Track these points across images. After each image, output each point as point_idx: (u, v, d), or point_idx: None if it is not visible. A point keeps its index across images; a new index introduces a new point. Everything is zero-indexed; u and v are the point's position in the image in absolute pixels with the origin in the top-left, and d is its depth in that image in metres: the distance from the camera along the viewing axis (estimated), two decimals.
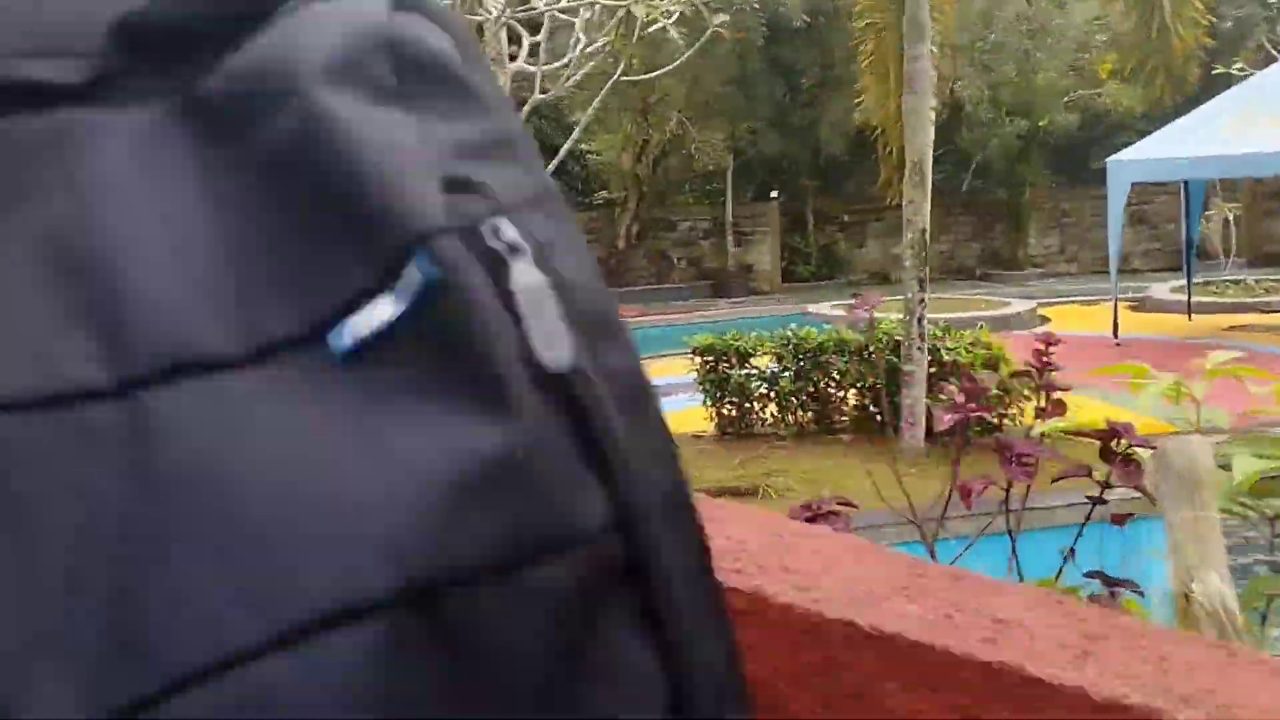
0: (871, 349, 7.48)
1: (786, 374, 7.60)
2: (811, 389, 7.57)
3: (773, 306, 20.19)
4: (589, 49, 6.63)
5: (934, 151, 16.96)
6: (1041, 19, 19.13)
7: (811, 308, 17.40)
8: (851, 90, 18.66)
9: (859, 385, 7.52)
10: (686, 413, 9.95)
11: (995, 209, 24.86)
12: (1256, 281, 16.91)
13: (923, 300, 6.83)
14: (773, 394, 7.66)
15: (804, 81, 22.09)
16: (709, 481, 6.65)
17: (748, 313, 19.97)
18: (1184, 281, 17.33)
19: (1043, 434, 2.00)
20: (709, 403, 7.75)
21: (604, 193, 23.91)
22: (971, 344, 7.21)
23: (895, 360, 7.40)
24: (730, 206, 23.13)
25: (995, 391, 6.92)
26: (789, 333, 7.66)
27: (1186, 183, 14.02)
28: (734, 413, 7.71)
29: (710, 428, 8.12)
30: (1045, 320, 15.59)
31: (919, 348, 6.77)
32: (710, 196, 25.59)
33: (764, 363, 7.69)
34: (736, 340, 7.66)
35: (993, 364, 7.19)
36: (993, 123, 20.68)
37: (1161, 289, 17.08)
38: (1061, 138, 21.90)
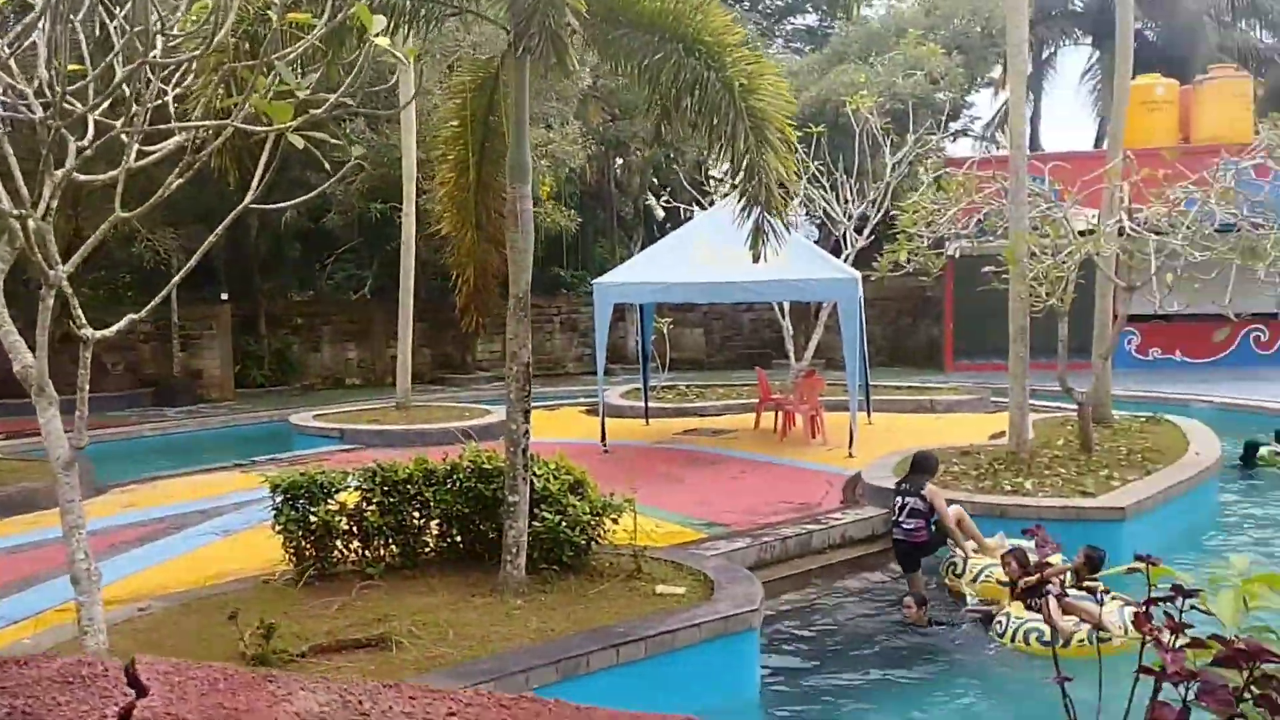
0: (459, 478, 7.46)
1: (372, 508, 7.28)
2: (394, 522, 7.32)
3: (243, 415, 18.94)
4: None
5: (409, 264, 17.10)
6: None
7: (294, 418, 16.65)
8: (307, 187, 18.44)
9: (446, 516, 7.43)
10: (218, 546, 9.06)
11: (445, 317, 25.80)
12: (687, 386, 19.34)
13: (526, 431, 6.98)
14: (355, 529, 7.28)
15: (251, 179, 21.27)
16: (317, 634, 6.14)
17: (212, 423, 18.55)
18: (632, 387, 19.35)
19: None
20: (287, 544, 7.15)
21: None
22: (559, 470, 7.47)
23: (481, 488, 7.43)
24: (175, 308, 21.45)
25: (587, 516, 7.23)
26: (375, 465, 7.36)
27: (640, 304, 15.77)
28: (311, 551, 7.19)
29: (278, 570, 7.49)
30: None
31: (524, 479, 6.89)
32: (150, 296, 23.50)
33: (352, 498, 7.29)
34: (318, 475, 7.18)
35: (578, 489, 7.52)
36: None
37: (613, 394, 18.84)
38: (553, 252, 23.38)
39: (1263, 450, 13.22)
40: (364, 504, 7.37)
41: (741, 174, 6.04)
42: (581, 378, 26.04)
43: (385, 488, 7.29)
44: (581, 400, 20.02)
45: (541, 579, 7.12)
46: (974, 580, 8.63)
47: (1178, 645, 1.90)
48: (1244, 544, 10.10)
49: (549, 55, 4.98)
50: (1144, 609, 2.09)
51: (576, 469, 7.66)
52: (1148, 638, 1.97)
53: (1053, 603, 7.23)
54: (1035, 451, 11.11)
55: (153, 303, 5.58)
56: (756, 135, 5.86)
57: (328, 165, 5.57)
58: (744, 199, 6.11)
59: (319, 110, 4.97)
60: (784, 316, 18.21)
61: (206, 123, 5.07)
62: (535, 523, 7.16)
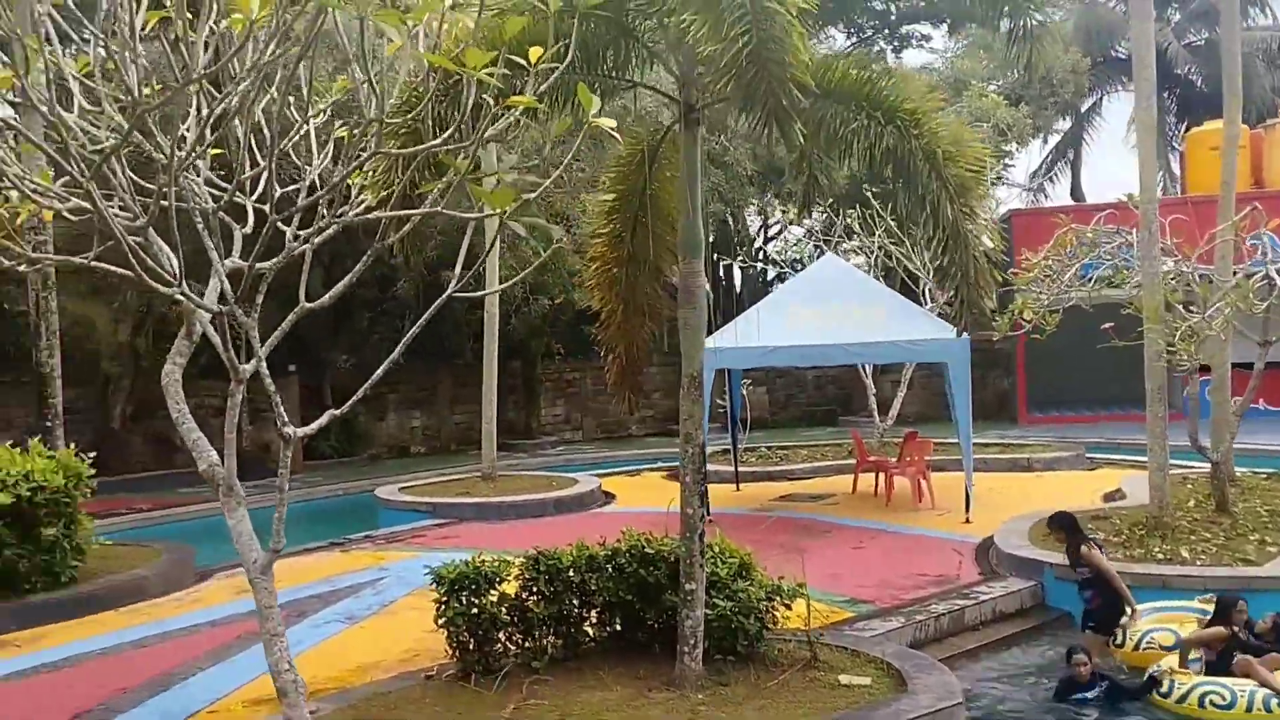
0: (621, 563, 7.17)
1: (534, 597, 6.99)
2: (557, 611, 7.03)
3: (319, 489, 18.72)
4: None
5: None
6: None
7: (380, 492, 16.41)
8: (382, 263, 18.45)
9: (608, 604, 7.13)
10: (349, 635, 8.76)
11: (508, 381, 25.68)
12: (769, 448, 18.98)
13: (703, 515, 6.70)
14: (518, 620, 6.99)
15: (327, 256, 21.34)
16: None
17: (288, 497, 18.30)
18: (715, 450, 19.02)
19: None
20: (451, 637, 6.85)
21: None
22: (725, 552, 7.17)
23: (643, 574, 7.14)
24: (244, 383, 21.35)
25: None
26: (536, 553, 7.08)
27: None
28: (472, 644, 6.89)
29: (433, 663, 7.21)
30: (609, 496, 16.11)
31: (700, 565, 6.59)
32: (218, 371, 23.46)
33: (510, 587, 7.01)
34: (480, 565, 6.90)
35: (746, 572, 7.21)
36: (521, 300, 21.50)
37: None
38: (571, 314, 23.27)
39: None
40: (524, 593, 7.08)
41: (944, 244, 5.81)
42: (646, 440, 25.75)
43: (547, 576, 7.00)
44: (660, 464, 19.70)
45: (716, 670, 6.79)
46: (1136, 648, 8.24)
47: None
48: None
49: (771, 130, 4.79)
50: None
51: (742, 551, 7.36)
52: None
53: (1256, 663, 6.94)
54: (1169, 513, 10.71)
55: (347, 403, 5.37)
56: (959, 205, 5.64)
57: (538, 247, 5.37)
58: (947, 270, 5.87)
59: (534, 193, 4.77)
60: (867, 375, 17.91)
61: (426, 210, 4.87)
62: (706, 610, 6.85)
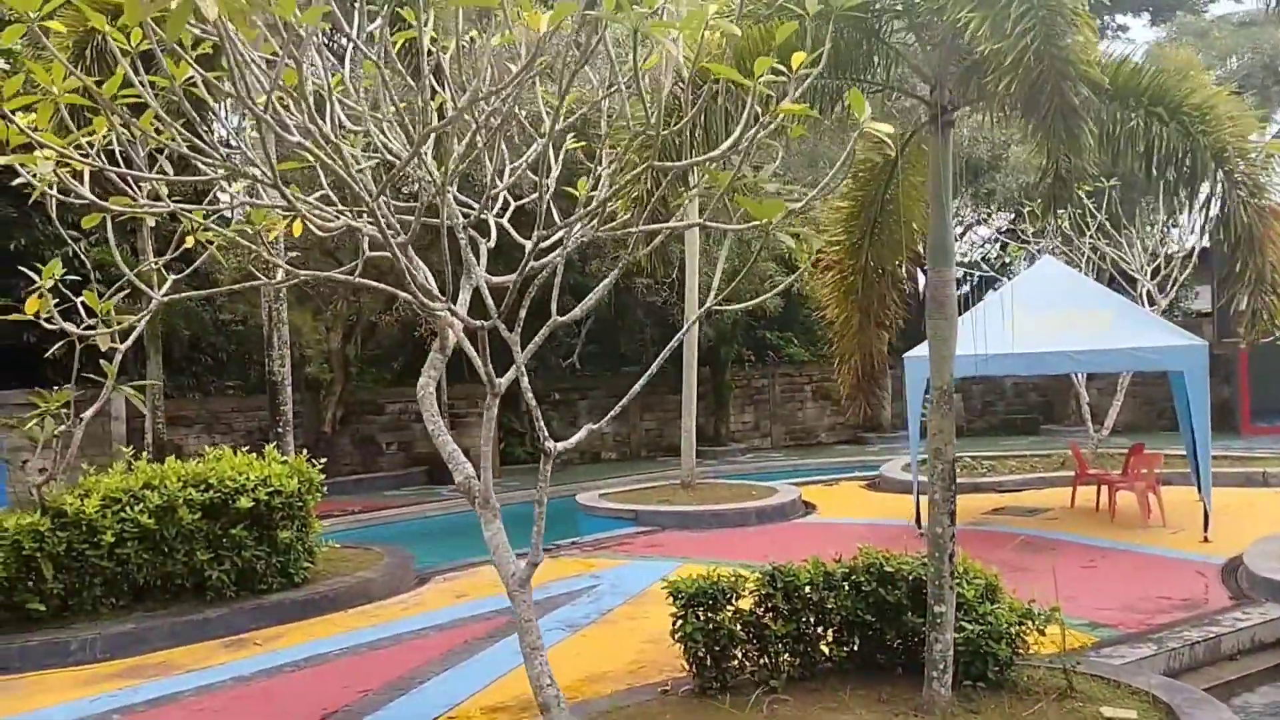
0: (859, 581, 6.93)
1: (770, 614, 6.83)
2: (795, 629, 6.84)
3: (517, 494, 18.95)
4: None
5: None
6: None
7: (582, 498, 16.60)
8: (572, 268, 18.68)
9: (845, 623, 6.90)
10: (572, 644, 8.80)
11: (699, 387, 25.72)
12: (973, 458, 18.26)
13: (953, 535, 6.41)
14: (755, 637, 6.84)
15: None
16: None
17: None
18: (908, 460, 18.43)
19: None
20: (688, 653, 6.77)
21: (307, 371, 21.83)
22: (970, 573, 6.85)
23: (883, 593, 6.88)
24: (446, 388, 22.02)
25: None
26: (772, 568, 6.92)
27: None
28: (708, 660, 6.78)
29: (667, 678, 7.15)
30: (810, 506, 15.81)
31: (950, 586, 6.30)
32: (410, 378, 24.32)
33: (745, 603, 6.87)
34: (717, 579, 6.80)
35: (992, 594, 6.87)
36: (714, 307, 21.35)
37: (893, 468, 18.02)
38: (763, 320, 23.06)
39: None
40: (760, 610, 6.93)
41: (1235, 248, 5.36)
42: (835, 447, 25.34)
43: (784, 593, 6.83)
44: (856, 474, 19.27)
45: (965, 697, 6.46)
46: None
47: None
48: None
49: (1058, 133, 4.50)
50: None
51: (988, 572, 7.01)
52: None
53: None
54: None
55: (605, 417, 5.35)
56: (1252, 207, 5.19)
57: (794, 258, 5.23)
58: (1240, 275, 5.42)
59: (799, 205, 4.62)
60: (1081, 383, 17.03)
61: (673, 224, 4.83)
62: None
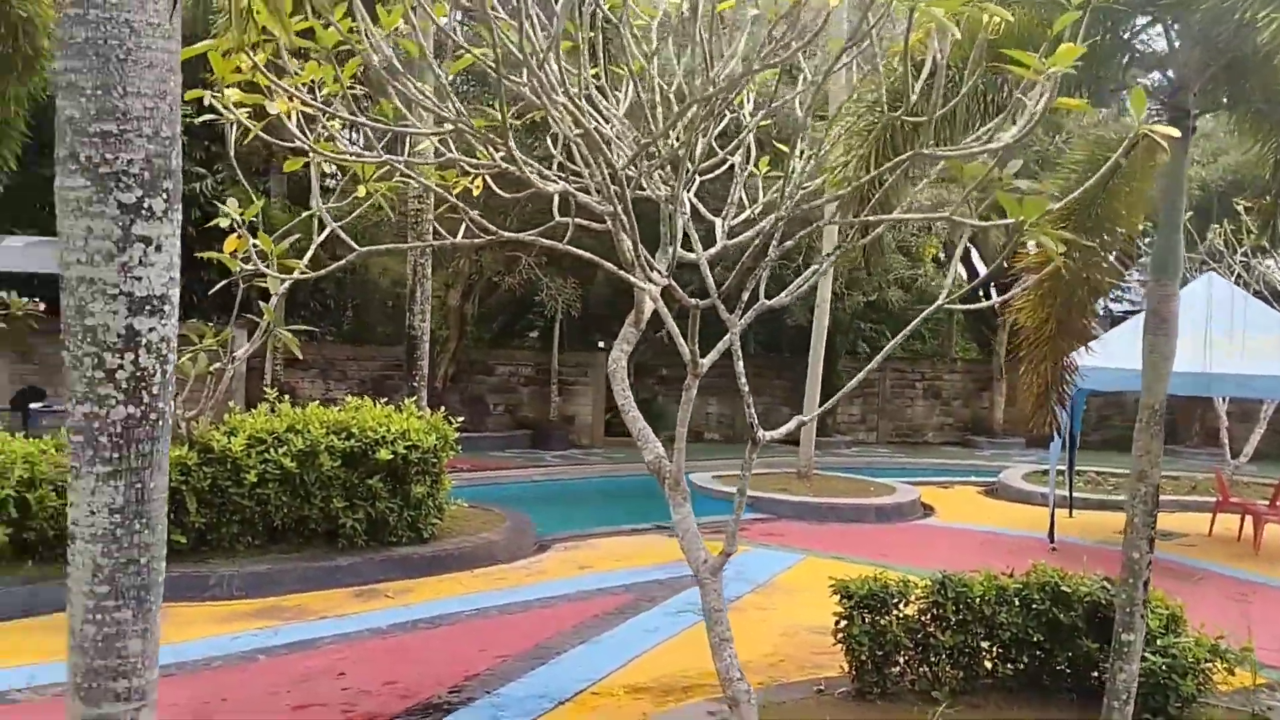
0: (1032, 599, 6.64)
1: (938, 623, 6.59)
2: (962, 641, 6.59)
3: (623, 466, 18.87)
4: None
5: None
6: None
7: (694, 477, 16.41)
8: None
9: (1014, 640, 6.61)
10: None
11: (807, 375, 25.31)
12: (1098, 473, 17.65)
13: (1149, 562, 6.08)
14: (919, 646, 6.61)
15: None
16: None
17: (592, 472, 18.66)
18: (1032, 469, 17.92)
19: None
20: (849, 654, 6.56)
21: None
22: (1154, 602, 6.51)
23: (1057, 613, 6.58)
24: (557, 355, 22.03)
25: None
26: (943, 577, 6.67)
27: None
28: (870, 664, 6.56)
29: (822, 676, 6.96)
30: (929, 509, 15.43)
31: (1142, 615, 5.98)
32: (531, 342, 24.38)
33: (911, 611, 6.63)
34: (884, 582, 6.57)
35: (1174, 625, 6.53)
36: (834, 297, 20.96)
37: (1014, 475, 17.52)
38: (885, 312, 22.58)
39: None
40: (926, 618, 6.68)
41: None
42: (943, 448, 24.75)
43: (954, 603, 6.57)
44: (972, 478, 18.78)
45: None
46: None
47: None
48: None
49: None
50: None
51: (1172, 602, 6.66)
52: None
53: None
54: None
55: (829, 401, 5.13)
56: None
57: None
58: None
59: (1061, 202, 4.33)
60: (1222, 407, 16.32)
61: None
62: None
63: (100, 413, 2.76)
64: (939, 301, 4.61)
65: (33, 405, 17.08)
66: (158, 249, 2.80)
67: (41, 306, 13.92)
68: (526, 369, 22.68)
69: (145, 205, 2.76)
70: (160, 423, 2.85)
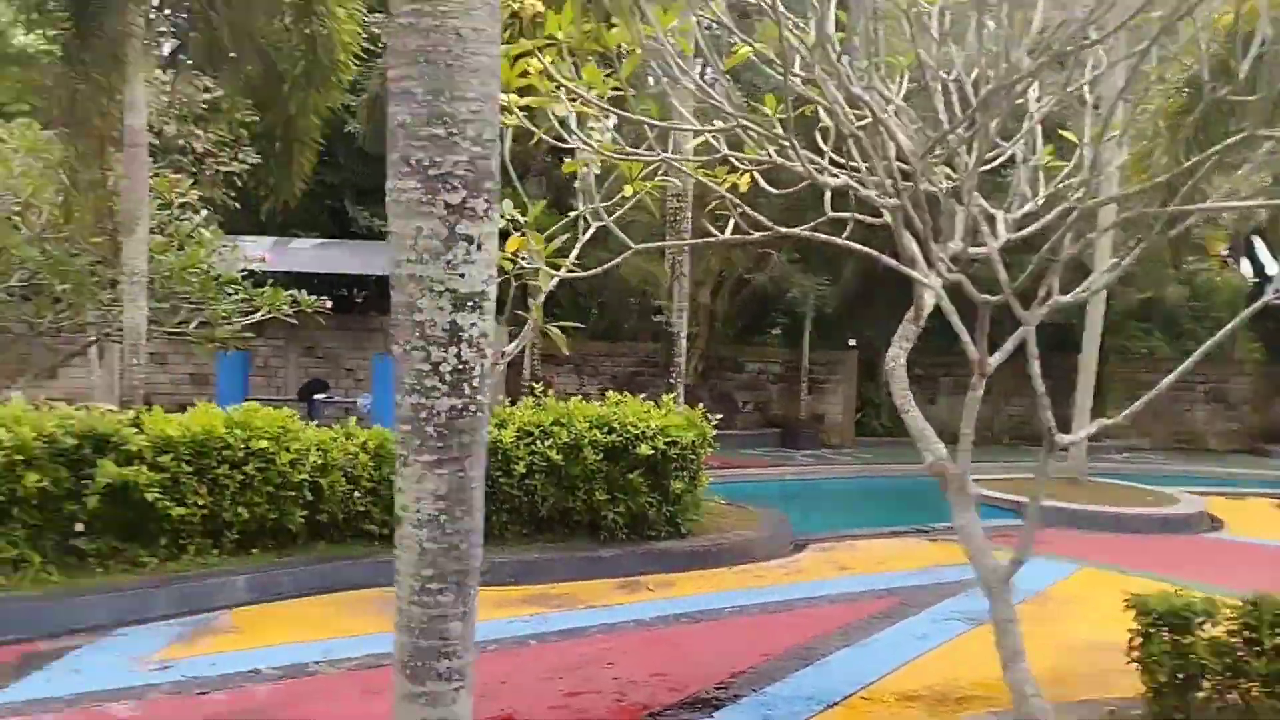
0: None
1: (1254, 650, 6.01)
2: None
3: (875, 466, 18.52)
4: None
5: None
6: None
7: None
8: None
9: None
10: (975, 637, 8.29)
11: (1070, 375, 23.96)
12: None
13: None
14: (1226, 670, 6.05)
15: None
16: None
17: (844, 471, 18.35)
18: None
19: None
20: (1147, 676, 6.10)
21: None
22: None
23: None
24: (807, 352, 21.82)
25: None
26: (1260, 598, 6.08)
27: None
28: (1169, 689, 6.06)
29: (1104, 697, 6.50)
30: (1217, 522, 14.21)
31: None
32: (777, 340, 24.29)
33: (1219, 632, 6.09)
34: (1188, 599, 6.06)
35: None
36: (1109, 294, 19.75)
37: None
38: (1163, 309, 21.08)
39: None
40: (1235, 640, 6.11)
41: None
42: (1228, 456, 22.81)
43: (1274, 627, 5.97)
44: (1266, 490, 17.21)
45: None
46: None
47: None
48: None
49: None
50: None
51: None
52: None
53: None
54: None
55: (1130, 408, 4.81)
56: None
57: None
58: None
59: None
60: None
61: None
62: None
63: (427, 404, 2.88)
64: (1264, 298, 4.20)
65: (316, 396, 18.51)
66: (479, 247, 2.90)
67: (328, 304, 14.99)
68: (775, 366, 22.61)
69: (469, 205, 2.87)
70: (479, 414, 2.95)
